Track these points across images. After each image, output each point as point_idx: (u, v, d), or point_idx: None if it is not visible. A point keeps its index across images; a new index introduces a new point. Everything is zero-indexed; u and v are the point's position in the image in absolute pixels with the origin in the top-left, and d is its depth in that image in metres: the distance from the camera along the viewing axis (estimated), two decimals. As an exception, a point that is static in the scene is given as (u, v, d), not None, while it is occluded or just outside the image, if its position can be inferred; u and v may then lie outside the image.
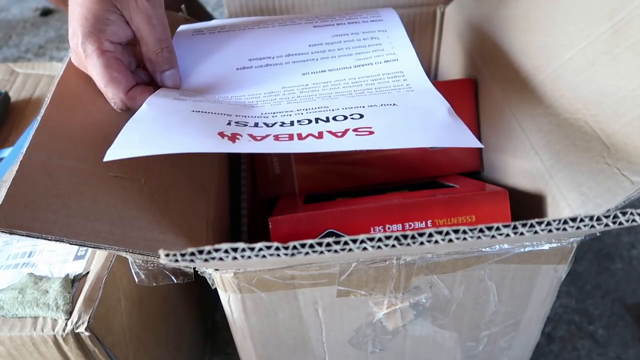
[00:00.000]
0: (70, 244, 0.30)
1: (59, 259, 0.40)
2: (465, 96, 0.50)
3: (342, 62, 0.43)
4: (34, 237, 0.29)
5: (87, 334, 0.35)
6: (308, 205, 0.42)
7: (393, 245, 0.25)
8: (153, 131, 0.32)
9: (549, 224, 0.25)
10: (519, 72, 0.43)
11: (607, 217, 0.25)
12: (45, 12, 1.27)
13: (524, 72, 0.42)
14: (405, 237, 0.25)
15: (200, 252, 0.24)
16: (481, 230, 0.25)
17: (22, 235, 0.28)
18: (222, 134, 0.32)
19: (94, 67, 0.36)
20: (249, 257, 0.24)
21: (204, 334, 0.62)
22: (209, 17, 0.79)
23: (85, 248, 0.40)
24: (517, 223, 0.25)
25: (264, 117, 0.36)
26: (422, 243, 0.25)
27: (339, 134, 0.32)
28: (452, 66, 0.59)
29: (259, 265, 0.33)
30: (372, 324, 0.39)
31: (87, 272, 0.38)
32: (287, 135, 0.33)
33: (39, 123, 0.33)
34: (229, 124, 0.34)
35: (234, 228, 0.50)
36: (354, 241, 0.25)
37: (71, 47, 0.37)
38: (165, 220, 0.35)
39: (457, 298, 0.38)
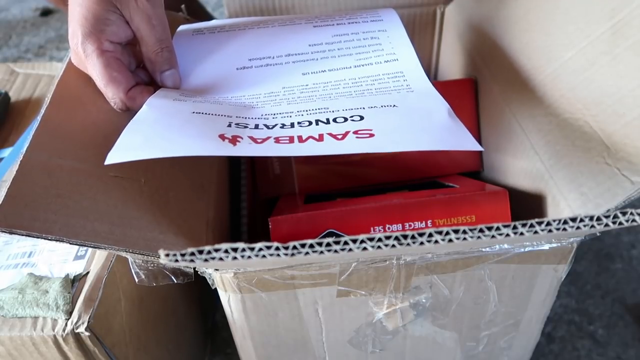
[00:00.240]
0: (70, 244, 0.30)
1: (59, 259, 0.40)
2: (465, 96, 0.50)
3: (342, 62, 0.43)
4: (34, 237, 0.29)
5: (87, 334, 0.35)
6: (308, 205, 0.42)
7: (393, 245, 0.25)
8: (154, 133, 0.32)
9: (549, 224, 0.25)
10: (519, 72, 0.43)
11: (607, 217, 0.25)
12: (45, 12, 1.27)
13: (524, 72, 0.42)
14: (405, 237, 0.25)
15: (200, 252, 0.24)
16: (481, 230, 0.25)
17: (22, 235, 0.28)
18: (222, 137, 0.32)
19: (93, 67, 0.36)
20: (249, 257, 0.24)
21: (204, 334, 0.62)
22: (209, 17, 0.79)
23: (85, 248, 0.40)
24: (517, 223, 0.25)
25: (264, 118, 0.36)
26: (422, 243, 0.25)
27: (340, 137, 0.32)
28: (452, 66, 0.59)
29: (259, 265, 0.33)
30: (372, 324, 0.39)
31: (87, 272, 0.38)
32: (288, 138, 0.33)
33: (39, 123, 0.33)
34: (229, 125, 0.34)
35: (234, 228, 0.50)
36: (354, 241, 0.25)
37: (71, 47, 0.37)
38: (165, 220, 0.35)
39: (457, 298, 0.38)
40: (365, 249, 0.25)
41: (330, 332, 0.40)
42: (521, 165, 0.42)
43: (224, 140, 0.32)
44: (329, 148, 0.31)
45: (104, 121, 0.37)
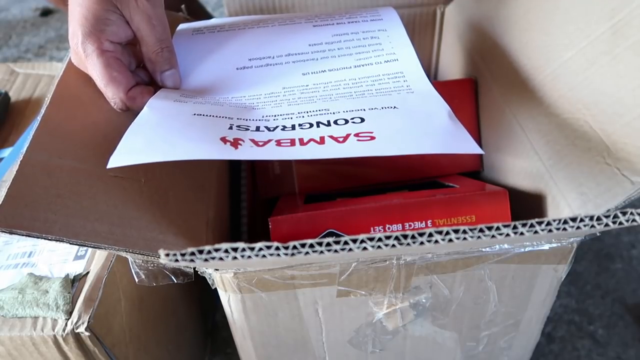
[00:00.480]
0: (70, 244, 0.30)
1: (59, 259, 0.40)
2: (465, 96, 0.50)
3: (342, 62, 0.43)
4: (34, 237, 0.29)
5: (87, 334, 0.35)
6: (308, 205, 0.42)
7: (393, 245, 0.25)
8: (156, 137, 0.32)
9: (549, 223, 0.25)
10: (519, 72, 0.43)
11: (607, 217, 0.25)
12: (45, 12, 1.27)
13: (524, 72, 0.42)
14: (405, 237, 0.25)
15: (200, 252, 0.24)
16: (481, 230, 0.25)
17: (22, 235, 0.28)
18: (224, 139, 0.32)
19: (93, 67, 0.36)
20: (249, 257, 0.24)
21: (204, 334, 0.62)
22: (209, 17, 0.79)
23: (85, 248, 0.40)
24: (517, 223, 0.25)
25: (265, 120, 0.36)
26: (422, 243, 0.25)
27: (341, 139, 0.32)
28: (452, 66, 0.59)
29: (259, 265, 0.33)
30: (372, 324, 0.39)
31: (87, 272, 0.38)
32: (289, 141, 0.33)
33: (39, 123, 0.33)
34: (230, 128, 0.34)
35: (234, 228, 0.50)
36: (354, 241, 0.25)
37: (71, 47, 0.37)
38: (165, 220, 0.35)
39: (457, 298, 0.38)
40: (365, 248, 0.25)
41: (330, 332, 0.40)
42: (521, 165, 0.42)
43: (225, 143, 0.32)
44: (331, 151, 0.31)
45: (104, 121, 0.37)
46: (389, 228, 0.37)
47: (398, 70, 0.41)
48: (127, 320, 0.40)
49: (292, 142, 0.33)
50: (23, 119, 0.53)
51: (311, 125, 0.35)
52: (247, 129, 0.34)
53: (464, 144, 0.32)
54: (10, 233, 0.28)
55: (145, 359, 0.45)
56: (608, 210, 0.31)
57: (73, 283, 0.38)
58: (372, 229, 0.37)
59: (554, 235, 0.28)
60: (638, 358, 0.61)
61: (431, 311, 0.39)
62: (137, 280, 0.36)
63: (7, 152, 0.49)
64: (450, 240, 0.25)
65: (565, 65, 0.37)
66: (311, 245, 0.25)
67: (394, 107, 0.36)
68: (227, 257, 0.24)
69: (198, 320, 0.59)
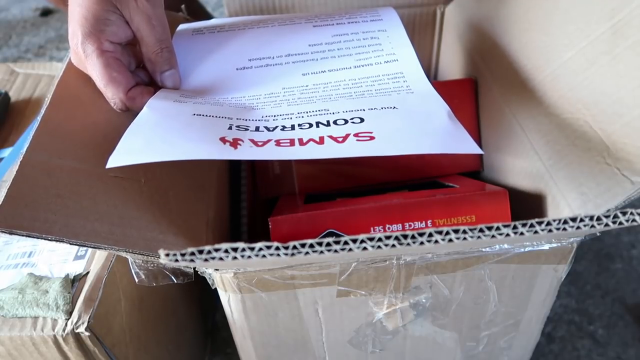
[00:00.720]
0: (70, 244, 0.30)
1: (59, 259, 0.40)
2: (465, 96, 0.50)
3: (342, 62, 0.43)
4: (34, 237, 0.29)
5: (87, 334, 0.35)
6: (308, 205, 0.42)
7: (393, 245, 0.25)
8: (155, 137, 0.32)
9: (549, 223, 0.25)
10: (519, 72, 0.43)
11: (607, 217, 0.25)
12: (45, 12, 1.27)
13: (524, 72, 0.42)
14: (405, 237, 0.25)
15: (200, 252, 0.24)
16: (481, 230, 0.25)
17: (22, 236, 0.28)
18: (223, 139, 0.32)
19: (93, 67, 0.36)
20: (249, 257, 0.24)
21: (204, 334, 0.62)
22: (209, 17, 0.79)
23: (85, 248, 0.40)
24: (517, 223, 0.25)
25: (265, 120, 0.36)
26: (422, 243, 0.25)
27: (340, 139, 0.32)
28: (452, 66, 0.59)
29: (259, 265, 0.33)
30: (372, 324, 0.39)
31: (87, 272, 0.38)
32: (289, 141, 0.33)
33: (39, 123, 0.33)
34: (230, 128, 0.34)
35: (234, 228, 0.50)
36: (354, 241, 0.25)
37: (71, 47, 0.37)
38: (165, 220, 0.35)
39: (457, 298, 0.38)
40: (365, 248, 0.25)
41: (330, 332, 0.40)
42: (521, 165, 0.42)
43: (225, 143, 0.32)
44: (330, 151, 0.31)
45: (104, 121, 0.37)
46: (389, 228, 0.37)
47: (398, 71, 0.41)
48: (127, 320, 0.40)
49: (292, 142, 0.33)
50: (23, 119, 0.53)
51: (310, 125, 0.35)
52: (247, 129, 0.34)
53: (463, 144, 0.33)
54: (10, 233, 0.28)
55: (145, 359, 0.45)
56: (608, 210, 0.31)
57: (73, 283, 0.38)
58: (372, 229, 0.37)
59: (554, 235, 0.28)
60: (638, 358, 0.61)
61: (431, 311, 0.39)
62: (137, 280, 0.36)
63: (7, 152, 0.49)
64: (450, 240, 0.25)
65: (565, 65, 0.37)
66: (311, 245, 0.25)
67: (394, 107, 0.36)
68: (227, 257, 0.24)
69: (198, 320, 0.59)
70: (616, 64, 0.33)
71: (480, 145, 0.50)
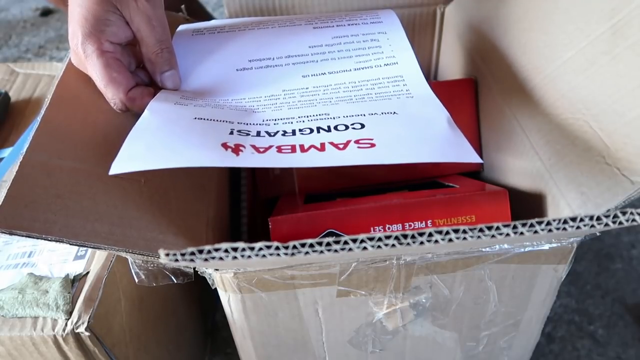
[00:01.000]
0: (70, 244, 0.30)
1: (59, 259, 0.40)
2: (465, 96, 0.50)
3: (342, 64, 0.43)
4: (33, 238, 0.29)
5: (87, 334, 0.35)
6: (308, 205, 0.42)
7: (393, 245, 0.25)
8: (157, 142, 0.32)
9: (549, 223, 0.25)
10: (519, 72, 0.43)
11: (607, 216, 0.25)
12: (45, 12, 1.27)
13: (524, 72, 0.42)
14: (405, 236, 0.25)
15: (200, 251, 0.24)
16: (481, 230, 0.25)
17: (22, 236, 0.28)
18: (225, 145, 0.32)
19: (93, 68, 0.36)
20: (249, 256, 0.24)
21: (204, 334, 0.62)
22: (209, 17, 0.79)
23: (85, 248, 0.40)
24: (517, 223, 0.25)
25: (266, 124, 0.36)
26: (422, 243, 0.25)
27: (341, 146, 0.32)
28: (452, 66, 0.59)
29: (259, 265, 0.33)
30: (372, 324, 0.39)
31: (87, 272, 0.38)
32: (290, 147, 0.33)
33: (39, 123, 0.33)
34: (231, 133, 0.34)
35: (234, 228, 0.50)
36: (354, 241, 0.25)
37: (71, 47, 0.37)
38: (165, 220, 0.35)
39: (457, 298, 0.38)
40: (365, 248, 0.25)
41: (330, 332, 0.40)
42: (521, 165, 0.42)
43: (226, 149, 0.32)
44: (331, 159, 0.32)
45: (104, 121, 0.37)
46: (389, 228, 0.37)
47: (398, 74, 0.41)
48: (127, 320, 0.40)
49: (293, 149, 0.33)
50: (23, 119, 0.53)
51: (311, 130, 0.35)
52: (248, 134, 0.34)
53: (463, 153, 0.33)
54: (10, 234, 0.28)
55: (145, 359, 0.45)
56: (608, 210, 0.31)
57: (73, 283, 0.38)
58: (372, 229, 0.37)
59: (554, 235, 0.28)
60: (638, 358, 0.61)
61: (431, 311, 0.39)
62: (137, 280, 0.36)
63: (7, 152, 0.50)
64: (450, 240, 0.25)
65: (565, 65, 0.37)
66: (311, 245, 0.25)
67: (394, 112, 0.36)
68: (227, 257, 0.24)
69: (198, 320, 0.59)
70: (616, 64, 0.33)
71: (480, 145, 0.50)
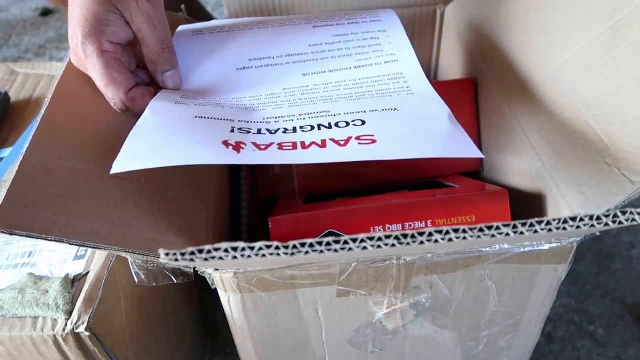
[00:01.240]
0: (70, 244, 0.30)
1: (59, 259, 0.40)
2: (465, 96, 0.50)
3: (342, 62, 0.43)
4: (33, 238, 0.29)
5: (87, 334, 0.35)
6: (308, 205, 0.42)
7: (393, 245, 0.25)
8: (158, 141, 0.32)
9: (549, 223, 0.25)
10: (519, 72, 0.43)
11: (607, 216, 0.25)
12: (45, 12, 1.27)
13: (524, 72, 0.42)
14: (405, 236, 0.25)
15: (200, 251, 0.24)
16: (481, 230, 0.25)
17: (22, 236, 0.28)
18: (226, 143, 0.32)
19: (93, 68, 0.36)
20: (249, 256, 0.24)
21: (204, 334, 0.62)
22: (209, 17, 0.79)
23: (85, 248, 0.40)
24: (517, 222, 0.25)
25: (267, 122, 0.36)
26: (422, 242, 0.25)
27: (342, 143, 0.32)
28: (452, 66, 0.59)
29: (259, 265, 0.33)
30: (372, 324, 0.39)
31: (87, 272, 0.38)
32: (291, 144, 0.33)
33: (39, 123, 0.33)
34: (232, 131, 0.34)
35: (234, 228, 0.50)
36: (354, 240, 0.25)
37: (71, 47, 0.37)
38: (165, 220, 0.35)
39: (457, 298, 0.38)
40: (365, 248, 0.25)
41: (330, 332, 0.40)
42: (521, 165, 0.42)
43: (227, 147, 0.32)
44: (332, 155, 0.32)
45: (104, 121, 0.37)
46: (389, 228, 0.37)
47: (398, 71, 0.41)
48: (127, 320, 0.40)
49: (294, 146, 0.33)
50: (23, 119, 0.53)
51: (312, 127, 0.35)
52: (249, 132, 0.34)
53: (464, 148, 0.33)
54: (10, 234, 0.28)
55: (145, 359, 0.45)
56: (608, 210, 0.31)
57: (73, 283, 0.38)
58: (372, 229, 0.37)
59: (554, 235, 0.28)
60: (638, 358, 0.61)
61: (431, 311, 0.39)
62: (137, 280, 0.36)
63: (7, 152, 0.50)
64: (450, 240, 0.25)
65: (565, 65, 0.37)
66: (311, 245, 0.25)
67: (395, 109, 0.36)
68: (227, 256, 0.24)
69: (198, 320, 0.59)
70: (616, 64, 0.33)
71: (480, 145, 0.50)
